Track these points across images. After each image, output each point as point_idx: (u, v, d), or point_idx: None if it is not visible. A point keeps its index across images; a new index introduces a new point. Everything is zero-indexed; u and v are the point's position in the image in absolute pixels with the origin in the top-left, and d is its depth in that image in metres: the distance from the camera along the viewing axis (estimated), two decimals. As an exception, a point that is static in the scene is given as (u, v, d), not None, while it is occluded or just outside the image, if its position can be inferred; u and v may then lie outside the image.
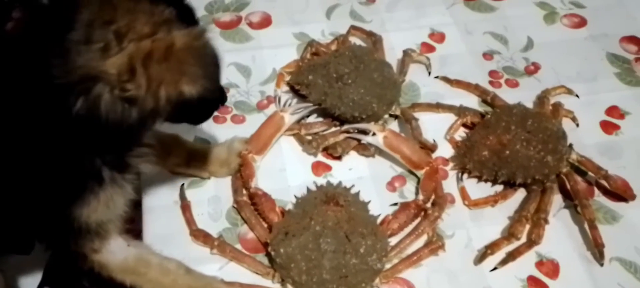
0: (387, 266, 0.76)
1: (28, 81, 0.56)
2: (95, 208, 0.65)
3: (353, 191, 0.80)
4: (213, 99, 0.65)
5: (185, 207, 0.81)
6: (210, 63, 0.58)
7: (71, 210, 0.64)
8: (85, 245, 0.68)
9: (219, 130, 0.91)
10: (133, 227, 0.78)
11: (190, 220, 0.80)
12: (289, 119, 0.88)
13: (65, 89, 0.55)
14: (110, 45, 0.54)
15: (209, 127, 0.91)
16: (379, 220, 0.78)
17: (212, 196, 0.84)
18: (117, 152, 0.64)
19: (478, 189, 0.85)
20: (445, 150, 0.89)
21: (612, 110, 0.95)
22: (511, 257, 0.77)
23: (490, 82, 0.99)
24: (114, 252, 0.71)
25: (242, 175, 0.83)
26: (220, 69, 0.60)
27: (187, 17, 0.60)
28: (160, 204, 0.82)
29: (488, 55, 1.03)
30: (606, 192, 0.84)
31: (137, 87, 0.55)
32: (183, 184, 0.84)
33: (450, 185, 0.86)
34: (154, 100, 0.56)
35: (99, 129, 0.57)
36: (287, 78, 0.96)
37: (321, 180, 0.85)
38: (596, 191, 0.85)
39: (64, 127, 0.57)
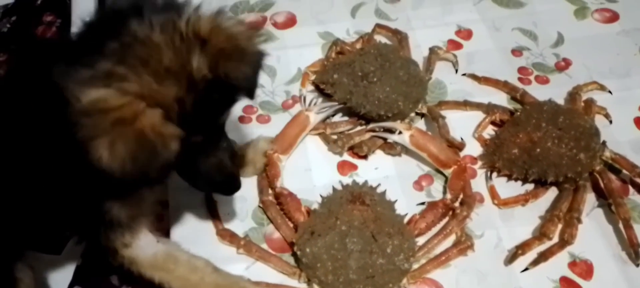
0: (415, 266, 0.75)
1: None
2: (126, 203, 0.67)
3: (379, 190, 0.79)
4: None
5: (212, 206, 0.82)
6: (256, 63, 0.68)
7: (103, 202, 0.66)
8: (117, 239, 0.70)
9: (245, 130, 0.91)
10: (161, 226, 0.79)
11: (216, 220, 0.80)
12: (314, 118, 0.88)
13: None
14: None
15: (234, 126, 0.91)
16: (405, 220, 0.78)
17: (238, 196, 0.83)
18: None
19: (508, 188, 0.84)
20: (473, 149, 0.88)
21: (647, 107, 0.92)
22: (543, 257, 0.75)
23: (520, 79, 0.97)
24: (144, 247, 0.72)
25: (267, 174, 0.83)
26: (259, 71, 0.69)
27: None
28: (187, 204, 0.83)
29: (517, 52, 1.01)
30: (641, 191, 0.82)
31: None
32: (209, 184, 0.85)
33: (479, 184, 0.84)
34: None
35: None
36: (312, 77, 0.96)
37: (347, 180, 0.84)
38: (631, 189, 0.83)
39: None
